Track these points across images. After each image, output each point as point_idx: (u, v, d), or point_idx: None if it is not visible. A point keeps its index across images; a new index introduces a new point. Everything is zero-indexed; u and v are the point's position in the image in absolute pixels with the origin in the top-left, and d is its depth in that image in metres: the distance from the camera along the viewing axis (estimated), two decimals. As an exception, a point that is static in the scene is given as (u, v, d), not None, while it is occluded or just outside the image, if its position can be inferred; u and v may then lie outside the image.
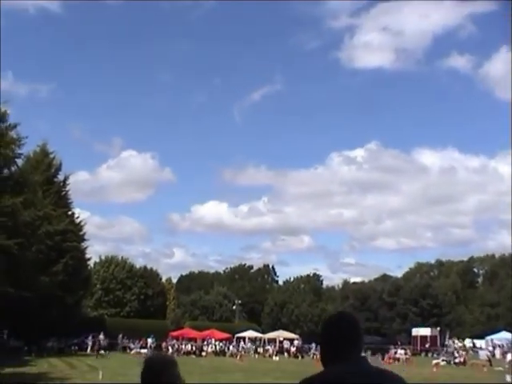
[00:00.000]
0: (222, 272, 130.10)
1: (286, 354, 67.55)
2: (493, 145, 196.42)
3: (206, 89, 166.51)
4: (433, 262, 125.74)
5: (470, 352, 67.31)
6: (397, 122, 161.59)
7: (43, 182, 55.66)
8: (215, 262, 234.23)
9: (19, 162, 47.30)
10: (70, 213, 61.16)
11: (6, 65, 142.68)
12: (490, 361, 53.38)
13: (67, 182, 61.88)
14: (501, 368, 45.21)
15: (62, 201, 59.60)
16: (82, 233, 62.28)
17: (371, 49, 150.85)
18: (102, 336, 60.33)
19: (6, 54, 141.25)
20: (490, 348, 70.57)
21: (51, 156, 60.88)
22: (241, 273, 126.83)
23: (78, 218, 63.03)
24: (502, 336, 76.56)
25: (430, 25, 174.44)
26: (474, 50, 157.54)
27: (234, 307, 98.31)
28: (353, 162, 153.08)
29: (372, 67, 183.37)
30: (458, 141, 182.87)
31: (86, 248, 63.19)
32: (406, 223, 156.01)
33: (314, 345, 71.46)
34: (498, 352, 66.99)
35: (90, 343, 59.09)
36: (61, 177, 61.40)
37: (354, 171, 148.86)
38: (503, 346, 69.93)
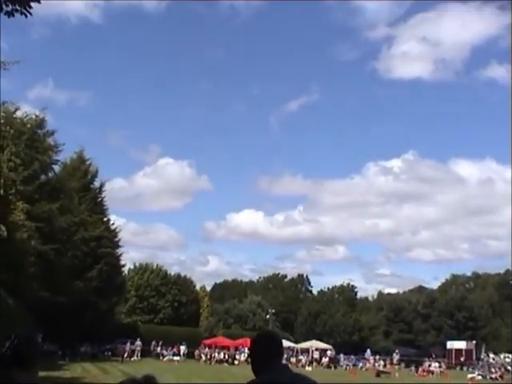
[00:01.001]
0: (255, 281, 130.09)
1: (318, 364, 67.02)
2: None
3: (243, 98, 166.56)
4: (469, 274, 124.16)
5: (507, 367, 66.07)
6: (434, 133, 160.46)
7: (79, 189, 56.21)
8: (250, 270, 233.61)
9: (56, 168, 48.00)
10: (105, 219, 61.69)
11: (47, 72, 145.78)
12: (526, 376, 52.43)
13: (103, 189, 62.51)
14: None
15: (97, 207, 60.11)
16: (116, 239, 62.85)
17: (409, 59, 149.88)
18: (139, 342, 60.79)
19: (48, 61, 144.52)
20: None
21: (88, 163, 61.43)
22: (275, 282, 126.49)
23: (113, 224, 63.74)
24: (540, 351, 75.38)
25: (469, 35, 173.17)
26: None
27: (268, 316, 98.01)
28: (389, 173, 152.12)
29: (410, 77, 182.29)
30: (496, 152, 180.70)
31: (120, 254, 63.85)
32: (442, 234, 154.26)
33: (341, 355, 71.65)
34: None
35: (127, 349, 59.41)
36: (97, 183, 62.07)
37: (391, 181, 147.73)
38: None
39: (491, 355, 75.27)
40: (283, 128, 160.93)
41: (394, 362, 70.30)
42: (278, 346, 4.12)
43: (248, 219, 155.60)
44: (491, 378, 55.01)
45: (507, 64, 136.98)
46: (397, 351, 74.42)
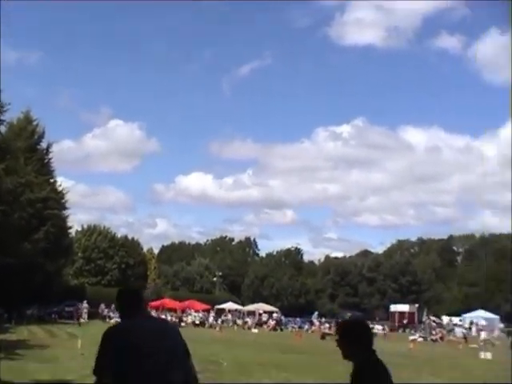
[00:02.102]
0: (203, 244, 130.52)
1: (265, 326, 67.82)
2: (478, 125, 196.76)
3: (196, 61, 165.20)
4: (414, 239, 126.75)
5: (447, 329, 68.01)
6: (384, 100, 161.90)
7: (26, 149, 55.27)
8: (198, 233, 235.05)
9: (2, 128, 47.12)
10: (52, 181, 60.87)
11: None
12: (465, 338, 54.01)
13: (50, 150, 61.52)
14: (475, 345, 45.83)
15: (44, 168, 59.25)
16: (63, 201, 62.11)
17: (362, 26, 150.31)
18: (85, 304, 60.63)
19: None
20: (466, 326, 71.48)
21: (34, 123, 60.33)
22: (222, 245, 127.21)
23: (60, 186, 62.85)
24: (478, 314, 78.13)
25: (422, 4, 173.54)
26: (464, 30, 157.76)
27: (215, 279, 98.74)
28: (339, 138, 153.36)
29: (363, 44, 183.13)
30: (444, 120, 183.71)
31: (67, 216, 63.21)
32: (389, 200, 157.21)
33: (283, 317, 72.33)
34: (473, 330, 67.81)
35: (74, 311, 59.24)
36: (44, 144, 61.05)
37: (340, 147, 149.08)
38: (478, 324, 70.82)
39: (432, 318, 77.35)
40: (235, 92, 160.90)
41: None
42: (138, 297, 4.75)
43: (197, 182, 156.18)
44: (432, 340, 56.56)
45: (458, 35, 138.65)
46: (349, 315, 75.71)
